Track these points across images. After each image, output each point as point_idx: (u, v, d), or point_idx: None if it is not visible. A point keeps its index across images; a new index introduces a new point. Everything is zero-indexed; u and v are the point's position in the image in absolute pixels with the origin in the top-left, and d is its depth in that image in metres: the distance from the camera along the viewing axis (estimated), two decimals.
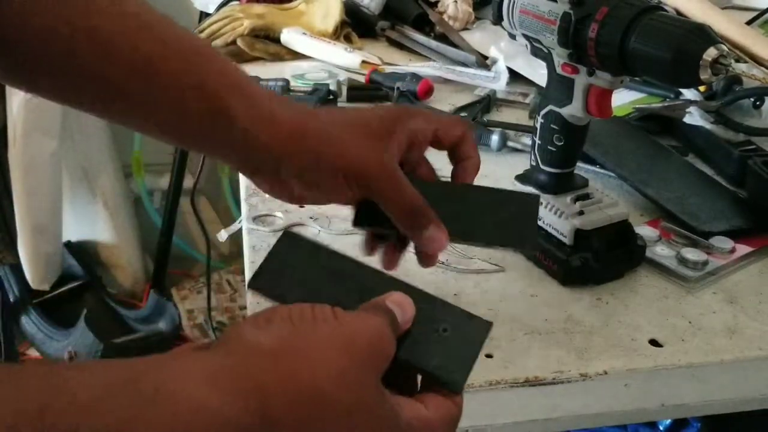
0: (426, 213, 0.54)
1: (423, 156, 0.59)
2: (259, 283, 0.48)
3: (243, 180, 0.87)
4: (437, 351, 0.43)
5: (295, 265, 0.48)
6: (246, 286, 0.47)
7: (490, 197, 0.57)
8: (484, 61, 1.19)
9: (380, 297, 0.44)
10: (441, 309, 0.46)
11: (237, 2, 1.34)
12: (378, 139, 0.54)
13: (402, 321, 0.43)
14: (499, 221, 0.55)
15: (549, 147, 0.70)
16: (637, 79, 1.04)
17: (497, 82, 1.12)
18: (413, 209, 0.54)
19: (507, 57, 1.15)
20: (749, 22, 1.32)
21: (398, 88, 1.04)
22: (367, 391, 0.39)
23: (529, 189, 0.72)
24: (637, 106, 1.03)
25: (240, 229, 0.81)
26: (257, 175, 0.56)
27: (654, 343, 0.63)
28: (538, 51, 0.69)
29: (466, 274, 0.71)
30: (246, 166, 0.56)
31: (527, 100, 1.09)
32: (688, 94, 1.04)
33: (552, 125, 0.69)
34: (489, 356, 0.60)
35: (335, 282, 0.47)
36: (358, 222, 0.57)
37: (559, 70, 0.66)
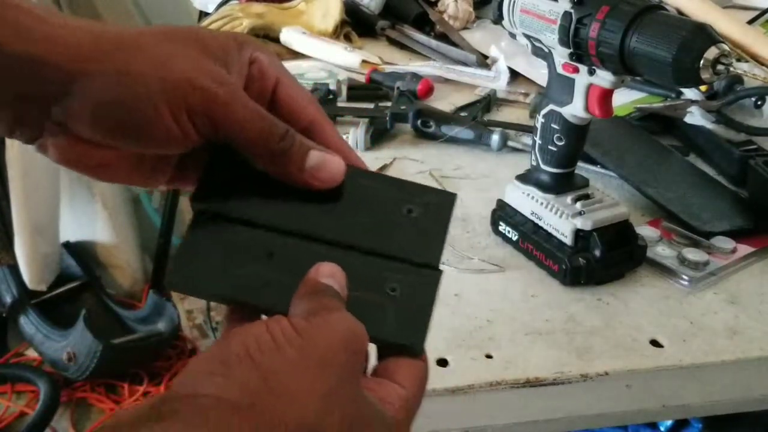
0: (301, 139, 0.41)
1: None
2: (175, 278, 0.40)
3: None
4: (389, 314, 0.39)
5: (210, 251, 0.40)
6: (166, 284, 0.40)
7: (384, 191, 0.43)
8: (484, 61, 1.19)
9: (312, 277, 0.37)
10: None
11: (236, 1, 1.34)
12: (215, 59, 0.40)
13: (341, 292, 0.38)
14: (387, 227, 0.42)
15: (549, 147, 0.69)
16: (638, 78, 1.04)
17: (497, 82, 1.12)
18: (283, 135, 0.40)
19: (507, 56, 1.15)
20: (750, 22, 1.31)
21: (398, 87, 1.04)
22: (355, 403, 0.34)
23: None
24: (638, 105, 1.03)
25: None
26: (40, 123, 0.39)
27: (655, 343, 0.63)
28: (538, 50, 0.68)
29: (466, 274, 0.70)
30: (21, 109, 0.38)
31: (528, 100, 1.08)
32: (689, 93, 1.03)
33: (552, 125, 0.68)
34: (489, 357, 0.60)
35: (259, 259, 0.40)
36: (201, 194, 0.42)
37: (559, 69, 0.66)
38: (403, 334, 0.39)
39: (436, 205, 0.42)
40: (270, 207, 0.41)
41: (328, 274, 0.38)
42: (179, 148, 0.40)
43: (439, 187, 0.42)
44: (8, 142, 1.68)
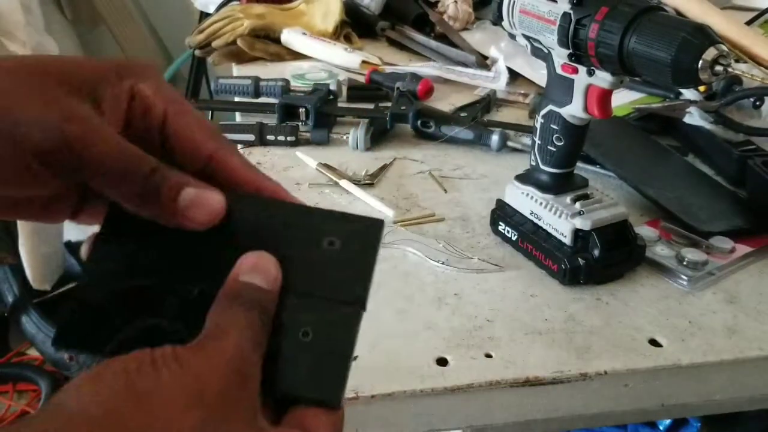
0: (174, 175, 0.36)
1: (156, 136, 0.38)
2: (66, 339, 0.36)
3: None
4: (301, 364, 0.34)
5: (99, 308, 0.36)
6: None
7: (301, 222, 0.38)
8: (484, 61, 1.19)
9: (231, 278, 0.35)
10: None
11: (237, 2, 1.35)
12: (76, 93, 0.36)
13: (271, 288, 0.35)
14: (303, 262, 0.37)
15: (549, 147, 0.70)
16: (636, 79, 1.04)
17: (497, 82, 1.12)
18: (150, 173, 0.35)
19: (507, 57, 1.16)
20: (749, 22, 1.32)
21: (398, 88, 1.04)
22: None
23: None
24: (637, 106, 1.03)
25: None
26: None
27: (654, 343, 0.63)
28: (537, 51, 0.69)
29: (466, 274, 0.71)
30: None
31: (527, 100, 1.09)
32: (688, 94, 1.04)
33: (552, 125, 0.69)
34: (488, 356, 0.60)
35: (152, 313, 0.36)
36: (93, 255, 0.38)
37: (558, 70, 0.66)
38: (316, 388, 0.34)
39: (362, 234, 0.38)
40: (166, 253, 0.37)
41: (250, 267, 0.35)
42: (45, 190, 0.37)
43: (369, 213, 0.37)
44: None
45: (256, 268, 0.35)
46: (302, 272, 0.36)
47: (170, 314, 0.36)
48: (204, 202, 0.36)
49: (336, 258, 0.37)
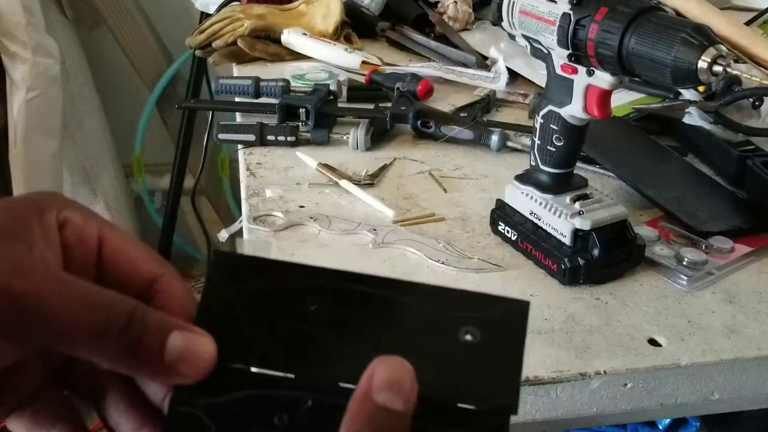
0: (157, 317, 0.30)
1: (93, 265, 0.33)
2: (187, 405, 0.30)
3: (243, 180, 0.87)
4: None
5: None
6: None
7: (426, 310, 0.31)
8: (483, 62, 1.20)
9: (359, 394, 0.28)
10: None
11: (237, 3, 1.35)
12: (2, 236, 0.29)
13: (407, 411, 0.28)
14: (436, 364, 0.30)
15: (548, 147, 0.70)
16: (636, 79, 1.04)
17: (497, 83, 1.12)
18: (126, 321, 0.29)
19: (506, 57, 1.16)
20: (748, 23, 1.32)
21: (398, 88, 1.05)
22: None
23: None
24: (636, 106, 1.03)
25: (240, 229, 0.82)
26: None
27: (653, 342, 0.63)
28: (537, 51, 0.69)
29: (465, 273, 0.71)
30: None
31: (527, 101, 1.09)
32: (688, 94, 1.04)
33: (551, 125, 0.69)
34: None
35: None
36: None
37: (558, 70, 0.66)
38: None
39: (504, 321, 0.31)
40: (266, 346, 0.31)
41: (385, 384, 0.28)
42: None
43: (502, 293, 0.30)
44: (11, 140, 1.69)
45: (392, 386, 0.28)
46: (436, 374, 0.29)
47: (287, 430, 0.29)
48: (195, 353, 0.30)
49: (475, 354, 0.30)
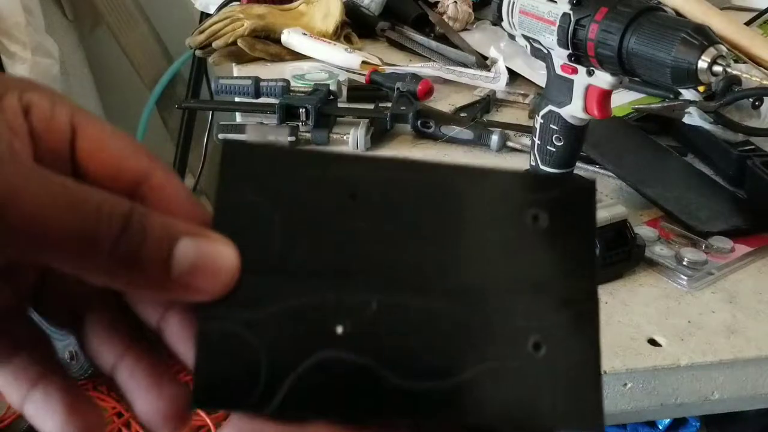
0: (157, 221, 0.24)
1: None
2: (209, 396, 0.25)
3: None
4: (541, 386, 0.25)
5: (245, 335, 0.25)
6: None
7: (484, 192, 0.27)
8: (483, 62, 1.20)
9: None
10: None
11: (237, 3, 1.35)
12: None
13: None
14: (505, 248, 0.27)
15: (548, 147, 0.70)
16: (636, 79, 1.04)
17: (497, 83, 1.12)
18: (122, 225, 0.23)
19: (506, 57, 1.16)
20: (748, 23, 1.32)
21: (398, 88, 1.05)
22: None
23: None
24: (636, 106, 1.03)
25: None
26: None
27: (653, 342, 0.63)
28: (537, 51, 0.69)
29: None
30: None
31: (527, 101, 1.09)
32: (687, 94, 1.04)
33: (551, 125, 0.69)
34: None
35: (324, 340, 0.25)
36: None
37: (558, 70, 0.66)
38: (574, 415, 0.26)
39: (571, 202, 0.27)
40: (305, 244, 0.26)
41: None
42: None
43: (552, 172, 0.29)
44: None
45: None
46: (506, 261, 0.26)
47: (347, 342, 0.25)
48: (212, 262, 0.24)
49: (545, 238, 0.27)
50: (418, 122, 0.97)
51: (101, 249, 0.23)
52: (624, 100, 1.07)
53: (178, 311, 0.26)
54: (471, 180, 0.27)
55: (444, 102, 1.09)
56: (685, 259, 0.71)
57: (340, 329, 0.25)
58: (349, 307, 0.25)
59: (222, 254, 0.24)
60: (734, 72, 0.56)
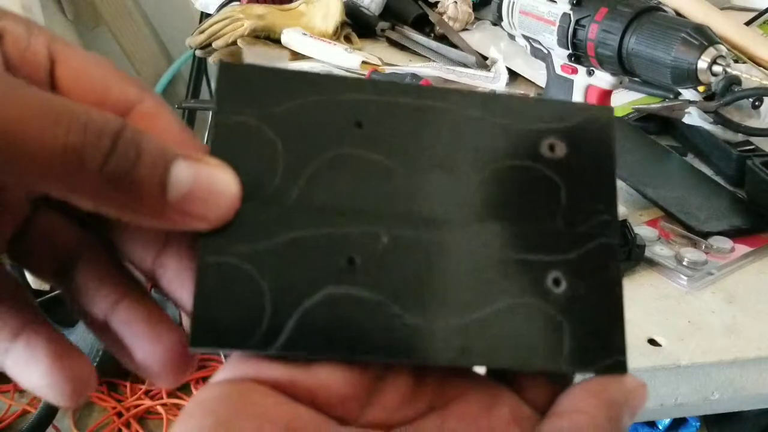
0: (152, 141, 0.22)
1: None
2: (208, 334, 0.23)
3: None
4: (564, 326, 0.24)
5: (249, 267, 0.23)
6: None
7: (500, 120, 0.26)
8: (483, 62, 1.20)
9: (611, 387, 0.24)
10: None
11: (237, 3, 1.35)
12: None
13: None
14: (518, 181, 0.25)
15: None
16: (636, 79, 1.04)
17: (497, 83, 1.12)
18: (114, 136, 0.21)
19: (506, 57, 1.16)
20: (748, 23, 1.32)
21: None
22: None
23: None
24: (636, 106, 1.03)
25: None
26: None
27: (653, 342, 0.63)
28: (537, 51, 0.69)
29: None
30: None
31: None
32: (687, 94, 1.04)
33: None
34: None
35: (334, 274, 0.23)
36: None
37: (558, 70, 0.67)
38: (594, 354, 0.25)
39: (589, 130, 0.26)
40: (306, 170, 0.24)
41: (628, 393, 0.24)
42: None
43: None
44: None
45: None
46: (523, 192, 0.25)
47: (356, 277, 0.23)
48: (210, 186, 0.22)
49: (563, 169, 0.25)
50: None
51: (91, 167, 0.20)
52: (624, 100, 1.07)
53: (174, 251, 0.24)
54: (484, 106, 0.25)
55: None
56: (685, 259, 0.71)
57: (347, 263, 0.23)
58: (358, 240, 0.23)
59: (221, 179, 0.23)
60: (734, 72, 0.56)
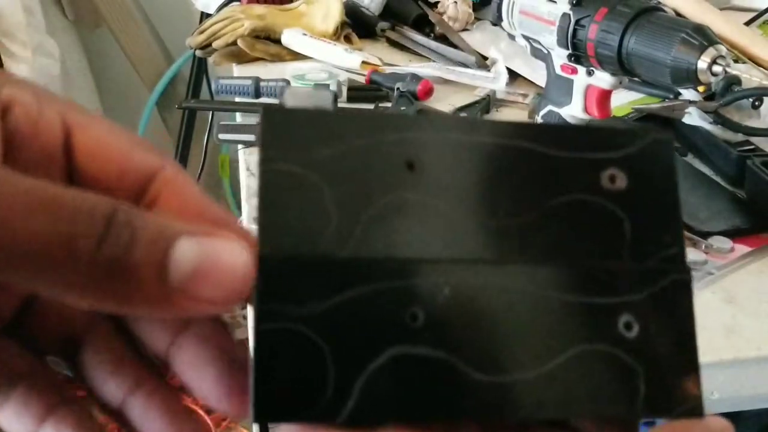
0: (149, 221, 0.20)
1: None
2: (275, 408, 0.21)
3: (244, 180, 0.87)
4: (635, 372, 0.23)
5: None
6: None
7: (553, 153, 0.24)
8: (483, 62, 1.20)
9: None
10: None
11: (238, 3, 1.35)
12: None
13: None
14: (579, 215, 0.24)
15: None
16: (636, 79, 1.04)
17: (497, 83, 1.12)
18: (105, 223, 0.19)
19: (506, 57, 1.16)
20: (748, 23, 1.32)
21: (398, 88, 1.05)
22: None
23: None
24: (635, 106, 1.03)
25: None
26: None
27: None
28: (537, 51, 0.69)
29: None
30: None
31: (527, 101, 1.09)
32: (687, 94, 1.04)
33: None
34: None
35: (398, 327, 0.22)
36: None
37: (558, 70, 0.67)
38: (669, 400, 0.23)
39: (650, 158, 0.24)
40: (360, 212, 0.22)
41: None
42: None
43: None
44: None
45: None
46: (587, 229, 0.23)
47: (420, 334, 0.21)
48: (219, 264, 0.20)
49: (626, 201, 0.24)
50: None
51: (82, 257, 0.18)
52: (624, 100, 1.06)
53: (195, 333, 0.22)
54: (536, 138, 0.24)
55: (444, 102, 1.09)
56: None
57: (411, 320, 0.22)
58: (419, 293, 0.22)
59: (228, 253, 0.20)
60: (734, 72, 0.56)
